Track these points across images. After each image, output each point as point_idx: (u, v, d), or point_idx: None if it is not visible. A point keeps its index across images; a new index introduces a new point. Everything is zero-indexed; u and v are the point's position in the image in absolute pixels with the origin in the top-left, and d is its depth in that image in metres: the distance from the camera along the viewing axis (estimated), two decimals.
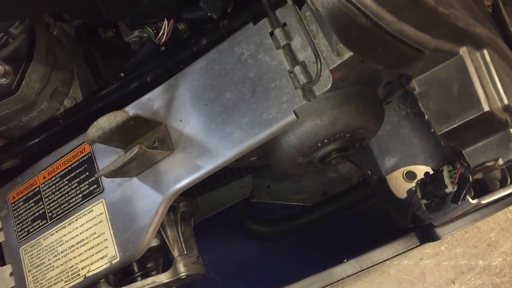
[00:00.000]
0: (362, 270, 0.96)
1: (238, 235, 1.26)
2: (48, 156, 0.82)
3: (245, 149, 0.66)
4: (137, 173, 0.72)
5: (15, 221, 0.84)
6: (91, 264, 0.75)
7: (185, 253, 0.86)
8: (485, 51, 0.56)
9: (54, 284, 0.79)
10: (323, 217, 1.21)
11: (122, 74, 0.80)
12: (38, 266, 0.81)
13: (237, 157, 0.67)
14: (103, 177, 0.76)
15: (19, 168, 0.85)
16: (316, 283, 0.95)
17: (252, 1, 0.71)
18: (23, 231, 0.83)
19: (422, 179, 0.77)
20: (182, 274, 0.83)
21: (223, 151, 0.67)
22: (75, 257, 0.77)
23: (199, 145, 0.69)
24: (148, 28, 0.76)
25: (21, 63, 0.78)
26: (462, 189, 0.67)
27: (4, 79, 0.77)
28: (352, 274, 0.95)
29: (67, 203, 0.79)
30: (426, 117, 0.56)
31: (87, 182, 0.78)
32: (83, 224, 0.77)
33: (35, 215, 0.82)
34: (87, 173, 0.78)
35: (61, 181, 0.80)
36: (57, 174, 0.81)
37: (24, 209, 0.84)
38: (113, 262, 0.73)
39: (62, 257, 0.78)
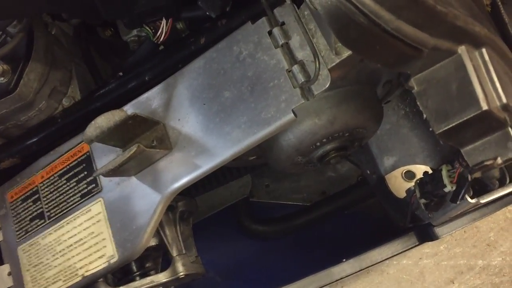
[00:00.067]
0: (361, 270, 0.95)
1: (237, 234, 1.25)
2: (47, 155, 0.82)
3: (244, 148, 0.66)
4: (135, 172, 0.72)
5: (13, 221, 0.84)
6: (89, 263, 0.75)
7: (184, 252, 0.86)
8: (483, 50, 0.55)
9: (53, 283, 0.78)
10: (322, 217, 1.20)
11: (120, 73, 0.80)
12: (36, 265, 0.81)
13: (236, 156, 0.67)
14: (101, 176, 0.76)
15: (18, 167, 0.85)
16: (315, 283, 0.95)
17: (251, 0, 0.71)
18: (21, 231, 0.83)
19: (421, 178, 0.77)
20: (181, 274, 0.83)
21: (221, 150, 0.67)
22: (73, 256, 0.77)
23: (197, 144, 0.69)
24: (147, 27, 0.76)
25: (19, 62, 0.78)
26: (461, 188, 0.67)
27: (2, 78, 0.77)
28: (351, 274, 0.95)
29: (65, 203, 0.79)
30: (425, 116, 0.56)
31: (85, 181, 0.77)
32: (81, 224, 0.77)
33: (33, 215, 0.82)
34: (86, 172, 0.78)
35: (60, 180, 0.80)
36: (55, 173, 0.81)
37: (22, 209, 0.83)
38: (112, 261, 0.73)
39: (60, 256, 0.78)
